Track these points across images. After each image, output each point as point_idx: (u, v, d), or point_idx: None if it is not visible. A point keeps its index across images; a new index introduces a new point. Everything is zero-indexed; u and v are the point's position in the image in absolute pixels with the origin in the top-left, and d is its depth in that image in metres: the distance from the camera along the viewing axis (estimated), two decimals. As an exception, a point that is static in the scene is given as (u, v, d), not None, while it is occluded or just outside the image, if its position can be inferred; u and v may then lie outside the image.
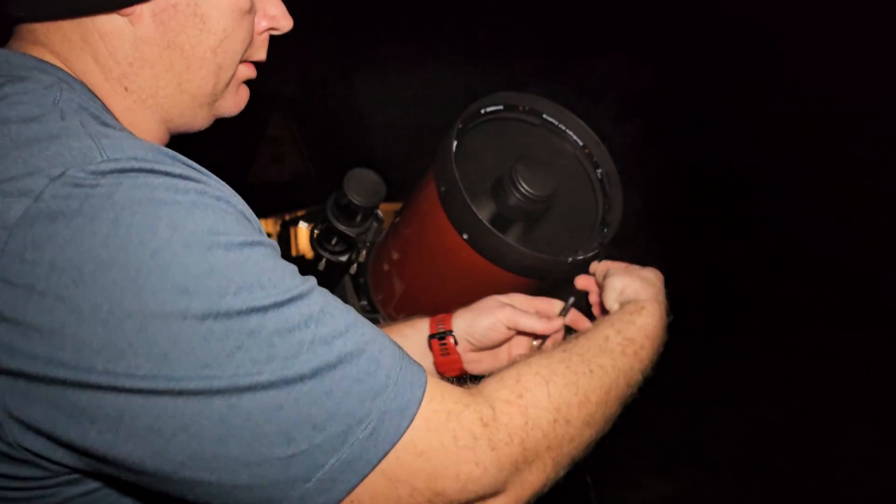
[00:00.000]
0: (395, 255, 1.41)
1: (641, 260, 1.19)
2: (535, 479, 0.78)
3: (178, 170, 0.68)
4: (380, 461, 0.68)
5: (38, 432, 0.65)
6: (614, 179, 1.37)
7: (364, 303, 1.50)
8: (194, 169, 0.70)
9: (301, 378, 0.65)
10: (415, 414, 0.70)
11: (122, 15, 0.77)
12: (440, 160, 1.25)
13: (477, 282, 1.28)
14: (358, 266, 1.52)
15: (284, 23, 0.90)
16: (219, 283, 0.64)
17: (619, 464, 3.18)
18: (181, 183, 0.66)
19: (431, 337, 1.15)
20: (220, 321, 0.63)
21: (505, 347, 1.20)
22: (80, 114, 0.72)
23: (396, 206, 1.49)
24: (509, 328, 1.14)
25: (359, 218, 1.48)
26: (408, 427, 0.69)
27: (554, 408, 0.80)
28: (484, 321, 1.14)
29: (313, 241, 1.51)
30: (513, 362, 0.86)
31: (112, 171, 0.64)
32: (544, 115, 1.39)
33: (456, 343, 1.14)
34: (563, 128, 1.39)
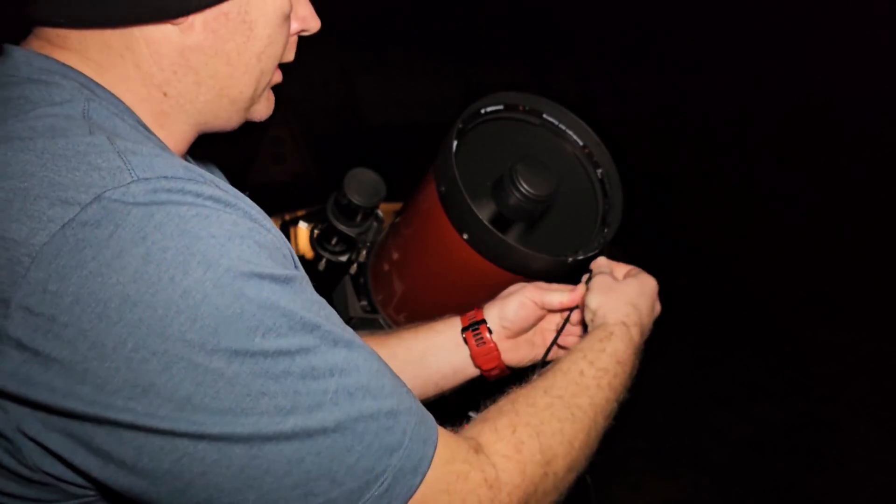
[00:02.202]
0: (396, 255, 1.40)
1: (642, 259, 1.18)
2: None
3: (210, 191, 0.66)
4: None
5: (56, 457, 0.64)
6: (614, 179, 1.37)
7: (364, 303, 1.50)
8: (223, 190, 0.68)
9: (324, 431, 0.65)
10: (426, 472, 0.70)
11: (173, 24, 0.75)
12: (440, 160, 1.25)
13: (477, 282, 1.28)
14: (358, 266, 1.52)
15: (314, 24, 0.89)
16: (248, 324, 0.62)
17: (619, 465, 3.17)
18: (214, 212, 0.64)
19: (465, 329, 1.15)
20: (248, 364, 0.62)
21: (539, 330, 1.20)
22: (111, 121, 0.71)
23: (396, 206, 1.49)
24: (537, 304, 1.16)
25: (359, 218, 1.48)
26: (419, 485, 0.69)
27: (545, 461, 0.82)
28: (513, 303, 1.15)
29: (313, 241, 1.51)
30: (500, 407, 0.87)
31: (145, 192, 0.62)
32: (544, 115, 1.39)
33: (490, 333, 1.15)
34: (563, 128, 1.39)
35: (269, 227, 0.71)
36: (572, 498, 0.86)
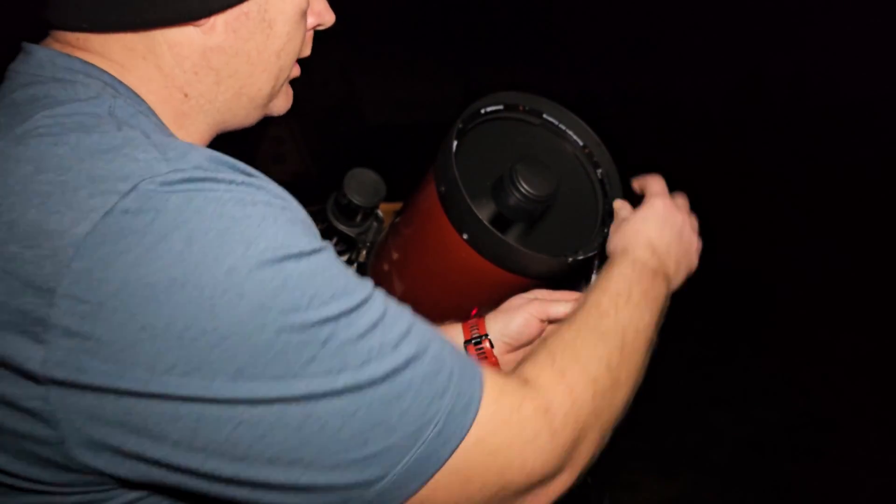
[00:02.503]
0: (395, 256, 1.40)
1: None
2: (587, 450, 0.81)
3: (241, 177, 0.68)
4: (448, 458, 0.69)
5: (103, 447, 0.64)
6: (614, 179, 1.37)
7: (364, 303, 1.49)
8: (253, 176, 0.71)
9: (373, 383, 0.67)
10: (478, 409, 0.72)
11: (195, 25, 0.76)
12: (440, 160, 1.24)
13: (477, 282, 1.28)
14: (358, 266, 1.52)
15: (329, 17, 0.91)
16: (293, 296, 0.64)
17: (618, 465, 3.17)
18: (248, 195, 0.67)
19: (467, 343, 1.15)
20: (295, 334, 0.64)
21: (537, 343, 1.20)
22: (136, 119, 0.72)
23: (396, 206, 1.49)
24: (542, 320, 1.16)
25: (359, 218, 1.47)
26: (472, 423, 0.71)
27: (591, 381, 0.82)
28: (517, 319, 1.15)
29: (313, 241, 1.50)
30: (533, 350, 0.88)
31: (182, 181, 0.64)
32: (544, 115, 1.39)
33: (492, 346, 1.15)
34: (563, 128, 1.39)
35: (298, 206, 0.73)
36: (572, 498, 0.86)
